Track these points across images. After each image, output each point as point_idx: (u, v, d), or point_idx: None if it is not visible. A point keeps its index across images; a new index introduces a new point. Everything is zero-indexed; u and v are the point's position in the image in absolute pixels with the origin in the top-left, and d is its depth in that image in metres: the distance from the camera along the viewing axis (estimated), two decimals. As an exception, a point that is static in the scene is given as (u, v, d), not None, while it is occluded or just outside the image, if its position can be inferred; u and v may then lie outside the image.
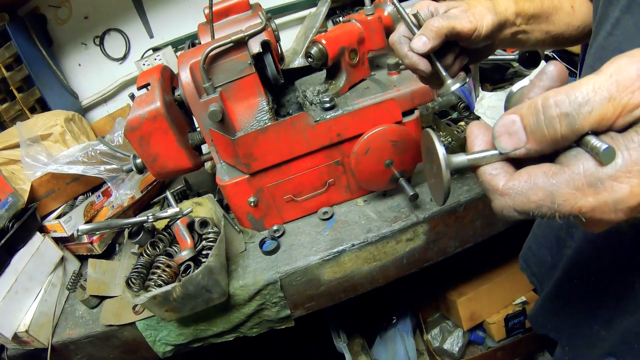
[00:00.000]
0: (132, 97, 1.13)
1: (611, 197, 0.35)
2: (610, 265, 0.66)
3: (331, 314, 1.63)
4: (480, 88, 1.47)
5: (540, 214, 0.38)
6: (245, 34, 1.04)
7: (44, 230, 1.29)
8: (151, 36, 1.84)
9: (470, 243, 1.16)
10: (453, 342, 1.69)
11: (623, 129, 0.35)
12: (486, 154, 0.41)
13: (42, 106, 1.66)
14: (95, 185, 1.40)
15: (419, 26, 0.66)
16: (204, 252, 1.05)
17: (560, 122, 0.35)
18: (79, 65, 1.86)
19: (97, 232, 1.19)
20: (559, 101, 0.35)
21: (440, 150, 0.41)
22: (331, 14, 1.70)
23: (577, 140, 0.36)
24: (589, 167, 0.35)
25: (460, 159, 0.43)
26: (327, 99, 1.08)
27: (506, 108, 0.45)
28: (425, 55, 0.67)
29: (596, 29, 0.68)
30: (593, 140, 0.35)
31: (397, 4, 0.71)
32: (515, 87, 0.48)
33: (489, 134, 0.44)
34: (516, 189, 0.38)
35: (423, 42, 0.65)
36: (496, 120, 0.40)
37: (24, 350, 1.18)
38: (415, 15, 0.67)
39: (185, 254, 1.02)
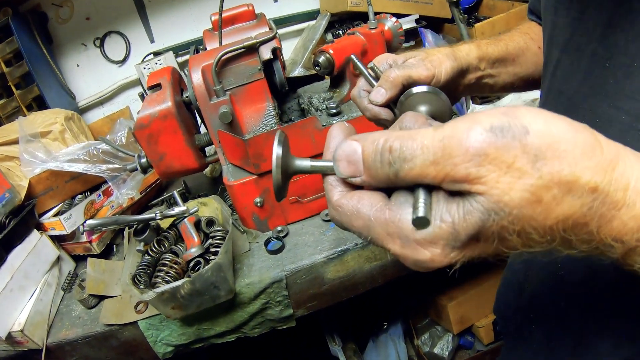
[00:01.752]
0: (142, 96, 1.15)
1: (412, 255, 0.36)
2: (566, 310, 0.66)
3: (326, 318, 1.65)
4: (471, 101, 1.55)
5: (359, 237, 0.40)
6: (257, 40, 1.08)
7: (41, 227, 1.28)
8: (152, 41, 1.85)
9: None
10: (443, 347, 1.73)
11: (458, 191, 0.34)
12: (329, 164, 0.41)
13: (39, 104, 1.65)
14: (94, 185, 1.39)
15: (377, 78, 0.66)
16: (212, 250, 1.06)
17: (389, 168, 0.35)
18: (78, 65, 1.86)
19: (104, 228, 1.19)
20: (394, 148, 0.35)
21: (275, 151, 0.41)
22: (330, 27, 1.76)
23: (412, 187, 0.37)
24: (402, 221, 0.36)
25: (304, 163, 0.44)
26: (334, 105, 1.12)
27: (401, 105, 0.47)
28: (387, 105, 0.66)
29: (544, 71, 0.70)
30: (420, 200, 0.35)
31: (354, 59, 0.72)
32: (415, 90, 0.49)
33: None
34: (344, 209, 0.39)
35: (381, 93, 0.64)
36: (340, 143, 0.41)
37: (16, 352, 1.15)
38: (372, 69, 0.68)
39: (194, 251, 1.03)
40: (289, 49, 1.89)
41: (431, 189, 0.36)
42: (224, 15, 1.18)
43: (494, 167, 0.31)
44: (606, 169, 0.32)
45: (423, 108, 0.53)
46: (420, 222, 0.34)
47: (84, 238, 1.28)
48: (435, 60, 0.69)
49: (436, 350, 1.75)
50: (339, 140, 0.42)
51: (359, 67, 0.69)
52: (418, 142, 0.34)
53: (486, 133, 0.31)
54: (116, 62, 1.87)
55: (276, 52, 1.11)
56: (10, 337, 1.09)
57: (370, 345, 1.75)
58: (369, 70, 0.68)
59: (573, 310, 0.64)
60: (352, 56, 0.73)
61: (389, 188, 0.38)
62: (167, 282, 0.99)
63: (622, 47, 0.52)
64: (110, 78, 1.88)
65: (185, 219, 1.07)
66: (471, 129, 0.32)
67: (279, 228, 1.17)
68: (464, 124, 0.33)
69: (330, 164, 0.41)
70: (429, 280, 1.78)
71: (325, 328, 1.64)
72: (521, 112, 0.32)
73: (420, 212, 0.34)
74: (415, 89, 0.48)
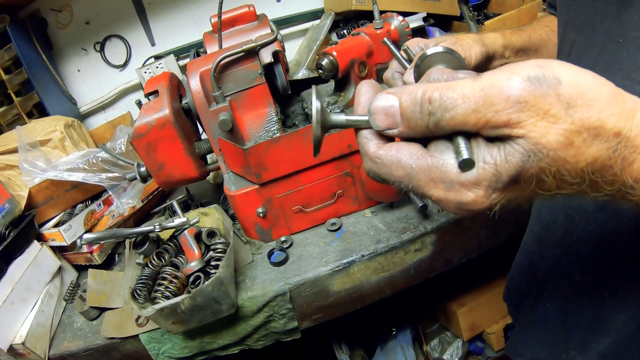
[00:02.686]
0: (139, 103, 1.11)
1: (456, 198, 0.38)
2: (580, 283, 0.68)
3: (333, 326, 1.62)
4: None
5: (399, 186, 0.41)
6: (256, 43, 1.04)
7: (41, 238, 1.26)
8: (153, 44, 1.83)
9: (474, 253, 1.17)
10: (452, 353, 1.70)
11: (496, 137, 0.37)
12: (365, 118, 0.42)
13: (39, 111, 1.63)
14: (94, 194, 1.37)
15: (410, 61, 0.67)
16: (213, 263, 1.03)
17: (429, 118, 0.37)
18: (78, 70, 1.84)
19: (102, 242, 1.17)
20: (433, 98, 0.36)
21: (315, 104, 0.42)
22: (334, 27, 1.72)
23: (450, 136, 0.38)
24: (446, 165, 0.37)
25: (339, 117, 0.44)
26: (338, 111, 1.08)
27: (418, 68, 0.47)
28: None
29: (559, 54, 0.73)
30: (461, 144, 0.37)
31: (387, 42, 0.72)
32: (430, 51, 0.49)
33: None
34: (382, 160, 0.41)
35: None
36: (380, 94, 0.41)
37: (18, 364, 1.15)
38: (405, 51, 0.69)
39: (194, 265, 1.00)
40: (292, 50, 1.85)
41: (469, 136, 0.37)
42: (224, 16, 1.15)
43: (532, 113, 0.34)
44: (628, 116, 0.35)
45: (440, 67, 0.52)
46: (466, 164, 0.36)
47: (85, 249, 1.26)
48: (466, 44, 0.72)
49: (445, 356, 1.72)
50: (369, 95, 0.44)
51: (392, 49, 0.69)
52: (458, 91, 0.35)
53: (525, 82, 0.34)
54: (117, 67, 1.85)
55: (277, 55, 1.07)
56: (12, 350, 1.08)
57: (378, 352, 1.71)
58: (402, 53, 0.68)
59: (589, 283, 0.67)
60: (385, 39, 0.73)
61: (424, 139, 0.40)
62: (167, 297, 0.96)
63: (635, 23, 0.56)
64: (112, 82, 1.86)
65: (186, 231, 1.04)
66: (510, 79, 0.34)
67: (283, 238, 1.14)
68: (503, 74, 0.35)
69: (366, 117, 0.42)
70: (439, 285, 1.74)
71: (332, 336, 1.60)
72: (553, 64, 0.35)
73: (466, 155, 0.36)
74: (430, 50, 0.48)
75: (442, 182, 0.38)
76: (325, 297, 1.06)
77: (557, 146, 0.34)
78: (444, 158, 0.38)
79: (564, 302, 0.72)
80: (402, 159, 0.39)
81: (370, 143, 0.42)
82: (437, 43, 0.72)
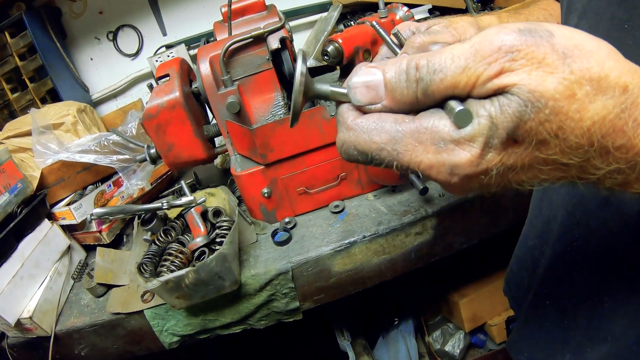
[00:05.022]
0: (151, 87, 1.14)
1: (449, 159, 0.35)
2: (580, 284, 0.65)
3: (335, 312, 1.64)
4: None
5: (379, 159, 0.37)
6: (264, 30, 1.07)
7: (52, 217, 1.29)
8: (164, 34, 1.86)
9: (475, 240, 1.18)
10: (454, 345, 1.70)
11: (488, 96, 0.34)
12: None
13: (52, 97, 1.67)
14: (105, 176, 1.40)
15: (401, 46, 0.62)
16: (218, 240, 1.05)
17: (417, 85, 0.35)
18: (91, 59, 1.88)
19: (111, 217, 1.20)
20: (420, 65, 0.34)
21: (300, 68, 0.39)
22: (342, 19, 1.74)
23: (440, 105, 0.36)
24: (437, 124, 0.35)
25: (323, 87, 0.41)
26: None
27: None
28: None
29: None
30: (453, 103, 0.34)
31: (375, 25, 0.67)
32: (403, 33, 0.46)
33: None
34: (362, 127, 0.37)
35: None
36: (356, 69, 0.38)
37: (25, 339, 1.17)
38: (396, 35, 0.64)
39: (199, 241, 1.03)
40: (301, 41, 1.88)
41: (461, 101, 0.35)
42: (234, 6, 1.18)
43: (526, 62, 0.32)
44: (634, 72, 0.33)
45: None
46: (462, 117, 0.33)
47: (94, 227, 1.29)
48: (460, 27, 0.66)
49: (447, 348, 1.72)
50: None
51: (381, 34, 0.65)
52: (447, 54, 0.34)
53: (515, 33, 0.32)
54: (129, 56, 1.89)
55: (285, 41, 1.10)
56: (19, 324, 1.11)
57: (380, 341, 1.73)
58: (392, 37, 0.64)
59: (588, 284, 0.63)
60: (374, 22, 0.70)
61: (411, 112, 0.37)
62: (172, 271, 0.98)
63: None
64: (124, 71, 1.90)
65: (192, 209, 1.07)
66: (500, 31, 0.33)
67: (287, 219, 1.16)
68: (492, 29, 0.34)
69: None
70: (442, 275, 1.75)
71: (334, 322, 1.62)
72: (543, 23, 0.34)
73: (461, 107, 0.33)
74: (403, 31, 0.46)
75: (433, 143, 0.35)
76: (327, 277, 1.08)
77: (555, 95, 0.31)
78: (434, 118, 0.35)
79: (563, 302, 0.69)
80: (385, 124, 0.36)
81: (349, 112, 0.39)
82: (429, 26, 0.65)
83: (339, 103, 0.41)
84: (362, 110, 0.39)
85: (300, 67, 0.39)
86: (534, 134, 0.33)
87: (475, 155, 0.34)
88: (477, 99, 0.34)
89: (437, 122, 0.35)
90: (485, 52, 0.33)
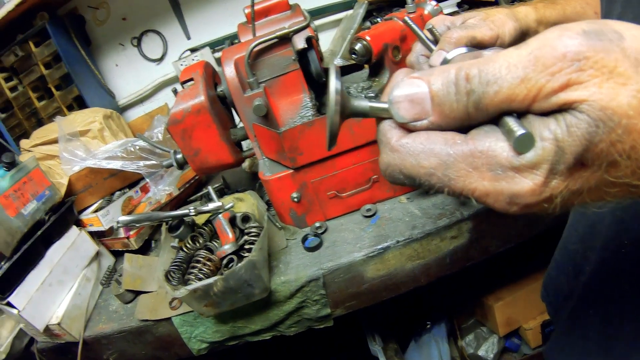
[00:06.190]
0: (175, 91, 1.13)
1: (509, 189, 0.31)
2: (627, 293, 0.60)
3: (366, 317, 1.60)
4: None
5: (428, 185, 0.34)
6: (289, 29, 1.04)
7: (80, 224, 1.29)
8: (188, 37, 1.86)
9: (511, 243, 1.13)
10: (488, 349, 1.65)
11: (551, 112, 0.30)
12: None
13: (79, 104, 1.69)
14: (132, 182, 1.40)
15: (436, 42, 0.60)
16: (246, 247, 1.03)
17: (468, 98, 0.31)
18: (116, 65, 1.89)
19: (137, 225, 1.19)
20: (471, 75, 0.30)
21: (334, 84, 0.35)
22: (368, 16, 1.70)
23: (495, 120, 0.32)
24: (494, 148, 0.31)
25: (361, 103, 0.37)
26: (373, 95, 1.07)
27: None
28: None
29: None
30: (511, 122, 0.30)
31: (409, 21, 0.65)
32: (450, 55, 0.42)
33: None
34: (409, 148, 0.33)
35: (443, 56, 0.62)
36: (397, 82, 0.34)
37: (54, 344, 1.18)
38: (430, 31, 0.62)
39: (227, 248, 1.00)
40: (327, 41, 1.85)
41: (518, 116, 0.31)
42: (257, 7, 1.15)
43: (596, 72, 0.28)
44: None
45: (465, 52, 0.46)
46: (524, 142, 0.29)
47: (122, 234, 1.29)
48: (497, 20, 0.64)
49: (481, 352, 1.66)
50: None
51: (415, 30, 0.62)
52: (501, 61, 0.30)
53: (581, 36, 0.28)
54: (154, 61, 1.89)
55: (311, 41, 1.07)
56: (48, 330, 1.12)
57: (412, 345, 1.68)
58: (426, 33, 0.62)
59: (637, 293, 0.58)
60: (406, 18, 0.66)
61: (461, 128, 0.33)
62: (200, 279, 0.97)
63: None
64: (149, 76, 1.91)
65: (220, 215, 1.05)
66: (563, 34, 0.28)
67: (317, 224, 1.13)
68: (552, 33, 0.29)
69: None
70: (476, 278, 1.70)
71: (365, 326, 1.59)
72: (608, 21, 0.29)
73: (522, 130, 0.29)
74: (451, 54, 0.42)
75: (490, 169, 0.31)
76: (359, 283, 1.05)
77: (629, 112, 0.27)
78: (490, 140, 0.31)
79: (607, 310, 0.65)
80: (435, 146, 0.32)
81: (393, 131, 0.35)
82: (464, 20, 0.65)
83: (379, 120, 0.37)
84: (406, 127, 0.35)
85: (334, 84, 0.35)
86: (605, 156, 0.29)
87: (539, 184, 0.30)
88: (538, 114, 0.30)
89: (494, 144, 0.31)
90: (548, 61, 0.28)
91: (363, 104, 0.37)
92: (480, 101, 0.30)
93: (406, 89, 0.33)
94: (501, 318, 1.61)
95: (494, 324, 1.65)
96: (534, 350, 1.66)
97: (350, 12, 1.77)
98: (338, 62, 1.48)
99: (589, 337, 0.69)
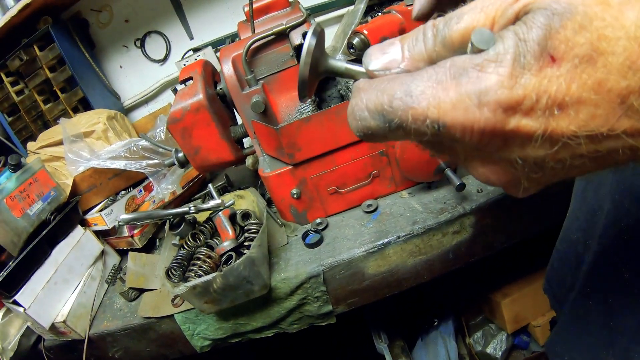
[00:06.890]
0: (175, 91, 1.13)
1: (474, 88, 0.29)
2: (628, 282, 0.59)
3: (372, 314, 1.59)
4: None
5: (392, 114, 0.32)
6: (286, 25, 1.03)
7: (85, 223, 1.31)
8: (191, 37, 1.86)
9: (516, 239, 1.11)
10: (496, 346, 1.63)
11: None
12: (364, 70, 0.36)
13: (84, 106, 1.71)
14: (136, 181, 1.41)
15: None
16: (246, 244, 1.03)
17: (435, 40, 0.33)
18: (121, 67, 1.91)
19: (138, 223, 1.20)
20: (437, 23, 0.33)
21: (308, 41, 0.37)
22: (369, 11, 1.69)
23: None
24: (456, 59, 0.30)
25: (337, 63, 0.39)
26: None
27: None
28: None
29: None
30: (472, 37, 0.30)
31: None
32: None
33: None
34: (375, 84, 0.33)
35: None
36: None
37: (60, 342, 1.20)
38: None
39: (226, 245, 1.01)
40: (329, 37, 1.84)
41: None
42: (257, 5, 1.15)
43: None
44: None
45: None
46: (483, 39, 0.29)
47: (126, 232, 1.30)
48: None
49: (489, 349, 1.64)
50: None
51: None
52: (463, 7, 0.32)
53: None
54: (157, 61, 1.90)
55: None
56: (53, 328, 1.13)
57: (419, 343, 1.67)
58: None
59: (638, 281, 0.58)
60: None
61: None
62: (200, 276, 0.97)
63: None
64: (153, 77, 1.92)
65: (220, 212, 1.05)
66: None
67: (318, 220, 1.12)
68: None
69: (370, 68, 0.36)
70: (483, 274, 1.68)
71: (371, 324, 1.57)
72: None
73: (481, 33, 0.30)
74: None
75: (453, 77, 0.29)
76: (360, 280, 1.04)
77: (586, 0, 0.27)
78: (452, 58, 0.31)
79: (610, 301, 0.63)
80: (400, 76, 0.32)
81: (364, 81, 0.36)
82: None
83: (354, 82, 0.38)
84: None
85: (308, 39, 0.37)
86: (572, 45, 0.27)
87: (505, 74, 0.28)
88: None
89: (457, 58, 0.30)
90: None
91: (339, 64, 0.39)
92: (445, 36, 0.32)
93: (379, 45, 0.35)
94: (509, 315, 1.59)
95: (502, 321, 1.63)
96: (543, 348, 1.63)
97: (351, 7, 1.76)
98: (340, 57, 1.47)
99: (591, 330, 0.67)
